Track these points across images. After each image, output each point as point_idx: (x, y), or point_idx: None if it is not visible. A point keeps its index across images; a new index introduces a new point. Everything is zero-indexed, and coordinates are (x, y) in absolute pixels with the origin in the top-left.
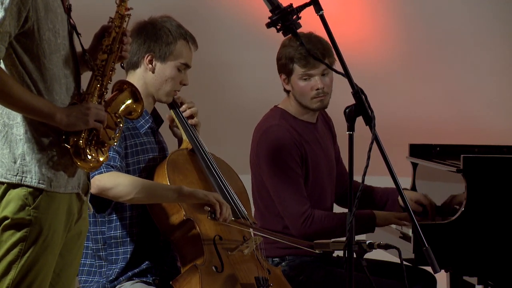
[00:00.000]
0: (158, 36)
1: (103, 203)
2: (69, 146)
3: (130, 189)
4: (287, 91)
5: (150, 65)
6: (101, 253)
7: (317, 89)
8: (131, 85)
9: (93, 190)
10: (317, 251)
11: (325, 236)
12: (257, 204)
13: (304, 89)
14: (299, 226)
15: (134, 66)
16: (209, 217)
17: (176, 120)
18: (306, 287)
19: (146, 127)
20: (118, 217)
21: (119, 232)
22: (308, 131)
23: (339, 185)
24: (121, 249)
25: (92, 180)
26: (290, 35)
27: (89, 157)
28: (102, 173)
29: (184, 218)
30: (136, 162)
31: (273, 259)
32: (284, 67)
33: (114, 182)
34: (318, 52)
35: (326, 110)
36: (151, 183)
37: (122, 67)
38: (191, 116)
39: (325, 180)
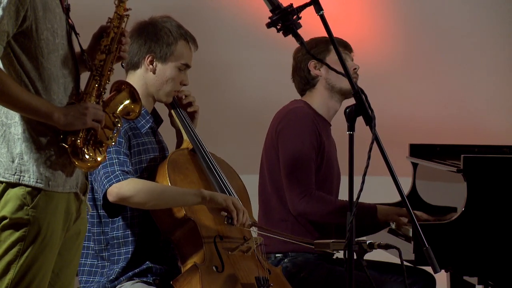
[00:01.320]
0: (158, 36)
1: (117, 208)
2: (67, 146)
3: (151, 196)
4: (313, 83)
5: (151, 66)
6: (103, 254)
7: (354, 68)
8: (129, 85)
9: (112, 198)
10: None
11: (321, 218)
12: (264, 192)
13: None
14: (297, 202)
15: (135, 66)
16: (225, 222)
17: (176, 119)
18: (307, 284)
19: (146, 127)
20: (121, 217)
21: (121, 232)
22: (325, 128)
23: None
24: (123, 249)
25: (110, 188)
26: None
27: (87, 156)
28: (120, 180)
29: (185, 217)
30: (138, 162)
31: (276, 255)
32: (315, 53)
33: (134, 189)
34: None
35: None
36: (171, 188)
37: (123, 67)
38: (189, 104)
39: (334, 180)
